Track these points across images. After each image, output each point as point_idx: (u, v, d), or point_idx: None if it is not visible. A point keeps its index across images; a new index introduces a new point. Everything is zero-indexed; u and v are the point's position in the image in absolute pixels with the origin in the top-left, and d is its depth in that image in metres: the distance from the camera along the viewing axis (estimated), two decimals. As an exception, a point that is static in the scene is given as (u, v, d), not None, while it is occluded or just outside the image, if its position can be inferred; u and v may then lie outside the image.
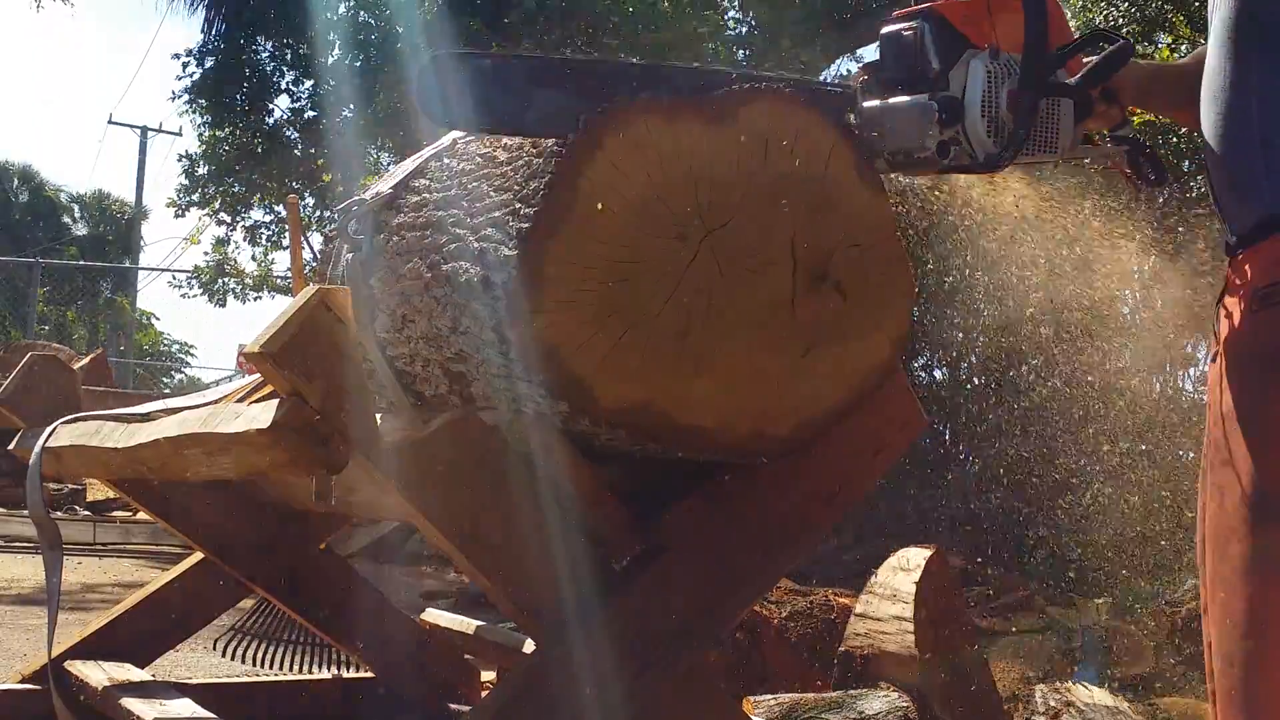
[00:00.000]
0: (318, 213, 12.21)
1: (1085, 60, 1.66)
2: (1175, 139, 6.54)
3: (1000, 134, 1.57)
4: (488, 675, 2.84)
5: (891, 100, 1.64)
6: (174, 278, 17.15)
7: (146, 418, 1.95)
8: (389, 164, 10.54)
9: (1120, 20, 6.83)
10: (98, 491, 9.15)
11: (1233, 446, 1.31)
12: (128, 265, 27.37)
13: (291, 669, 2.79)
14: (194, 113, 12.13)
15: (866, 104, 1.68)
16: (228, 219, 13.16)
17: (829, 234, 1.67)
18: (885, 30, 1.65)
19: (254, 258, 14.33)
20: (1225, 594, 1.30)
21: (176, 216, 13.75)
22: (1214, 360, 1.45)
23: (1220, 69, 1.39)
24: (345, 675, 2.79)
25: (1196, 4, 6.31)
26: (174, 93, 11.91)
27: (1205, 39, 1.43)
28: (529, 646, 2.49)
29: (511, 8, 8.94)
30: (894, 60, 1.64)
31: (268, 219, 13.26)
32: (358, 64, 10.20)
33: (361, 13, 10.32)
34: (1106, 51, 1.61)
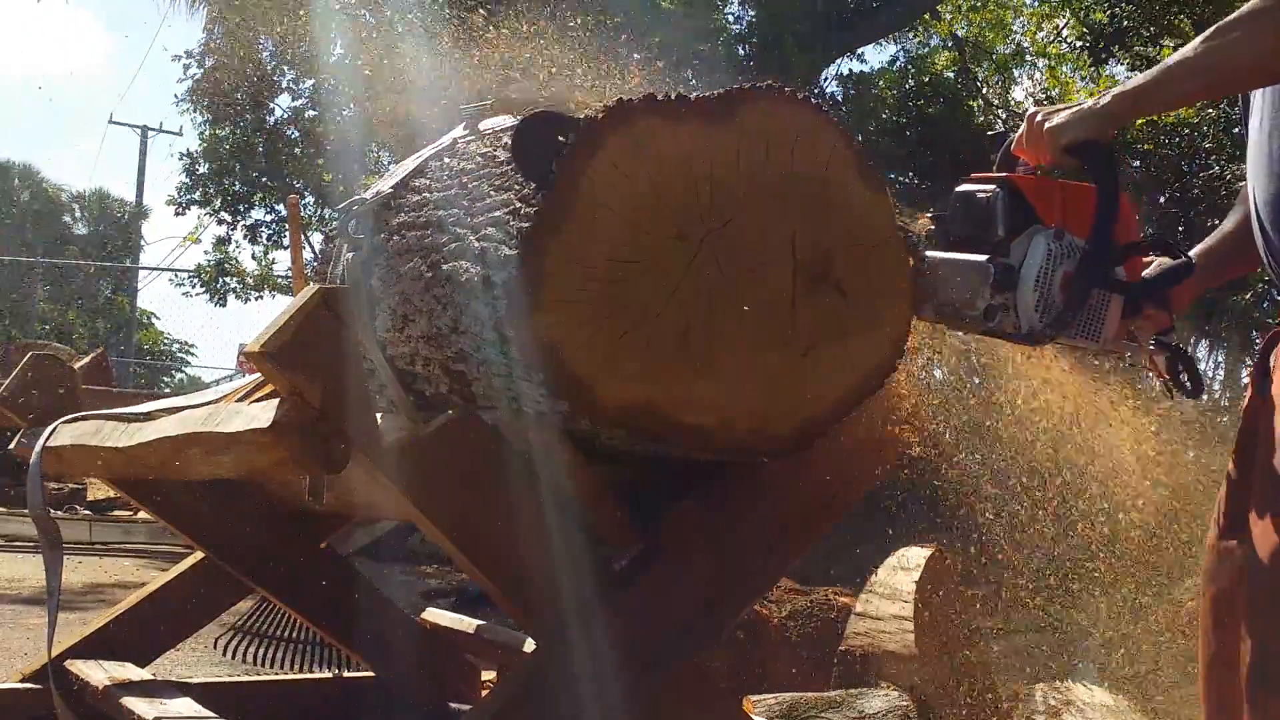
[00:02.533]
0: (318, 212, 12.22)
1: (1146, 260, 1.69)
2: (1177, 139, 6.55)
3: (1048, 311, 1.60)
4: (488, 675, 2.84)
5: (952, 255, 1.68)
6: (175, 275, 17.17)
7: (147, 417, 1.95)
8: (389, 163, 10.54)
9: (1125, 23, 6.82)
10: (98, 491, 9.14)
11: None
12: (128, 265, 27.39)
13: (292, 668, 2.79)
14: (194, 111, 12.16)
15: (929, 252, 1.71)
16: (228, 218, 13.18)
17: (829, 234, 1.67)
18: (960, 188, 1.69)
19: (254, 256, 14.35)
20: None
21: (177, 214, 13.78)
22: (1262, 394, 1.47)
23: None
24: (345, 674, 2.79)
25: (1199, 9, 6.30)
26: (176, 97, 11.95)
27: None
28: (529, 646, 2.49)
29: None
30: (963, 217, 1.68)
31: (268, 218, 13.27)
32: (358, 62, 10.20)
33: (364, 12, 10.31)
34: (1169, 266, 1.64)
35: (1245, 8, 1.41)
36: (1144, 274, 1.67)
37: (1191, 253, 1.79)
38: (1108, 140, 1.58)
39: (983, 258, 1.63)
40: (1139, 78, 1.52)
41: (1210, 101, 6.63)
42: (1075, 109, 1.56)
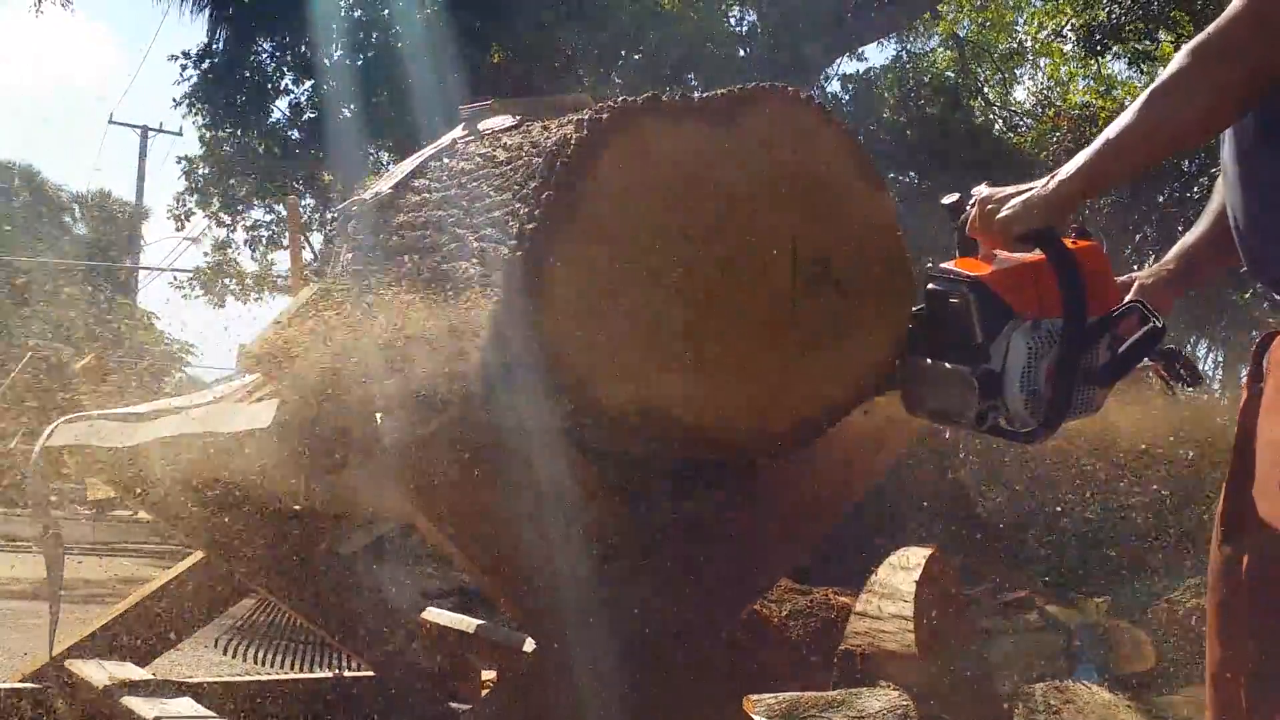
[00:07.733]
0: (318, 213, 12.22)
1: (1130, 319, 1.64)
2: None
3: (1039, 408, 1.57)
4: (488, 674, 2.85)
5: (935, 364, 1.65)
6: (175, 278, 17.20)
7: (146, 417, 1.96)
8: (389, 163, 10.53)
9: (1124, 18, 6.81)
10: (98, 491, 9.14)
11: None
12: (128, 265, 27.40)
13: (292, 668, 2.79)
14: (194, 114, 12.16)
15: (913, 357, 1.69)
16: (228, 219, 13.18)
17: (829, 234, 1.67)
18: (931, 287, 1.65)
19: (253, 257, 14.36)
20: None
21: (178, 229, 13.86)
22: (1257, 394, 1.47)
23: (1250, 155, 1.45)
24: (345, 674, 2.79)
25: (1197, 3, 6.29)
26: (175, 100, 11.96)
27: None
28: (529, 646, 2.49)
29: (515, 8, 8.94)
30: (940, 320, 1.64)
31: (268, 219, 13.28)
32: (358, 64, 10.20)
33: (359, 11, 10.32)
34: (1141, 335, 1.59)
35: (1172, 66, 1.39)
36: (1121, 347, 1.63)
37: (1170, 254, 1.77)
38: (1061, 227, 1.54)
39: (965, 368, 1.60)
40: (1082, 155, 1.47)
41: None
42: (1025, 197, 1.51)
